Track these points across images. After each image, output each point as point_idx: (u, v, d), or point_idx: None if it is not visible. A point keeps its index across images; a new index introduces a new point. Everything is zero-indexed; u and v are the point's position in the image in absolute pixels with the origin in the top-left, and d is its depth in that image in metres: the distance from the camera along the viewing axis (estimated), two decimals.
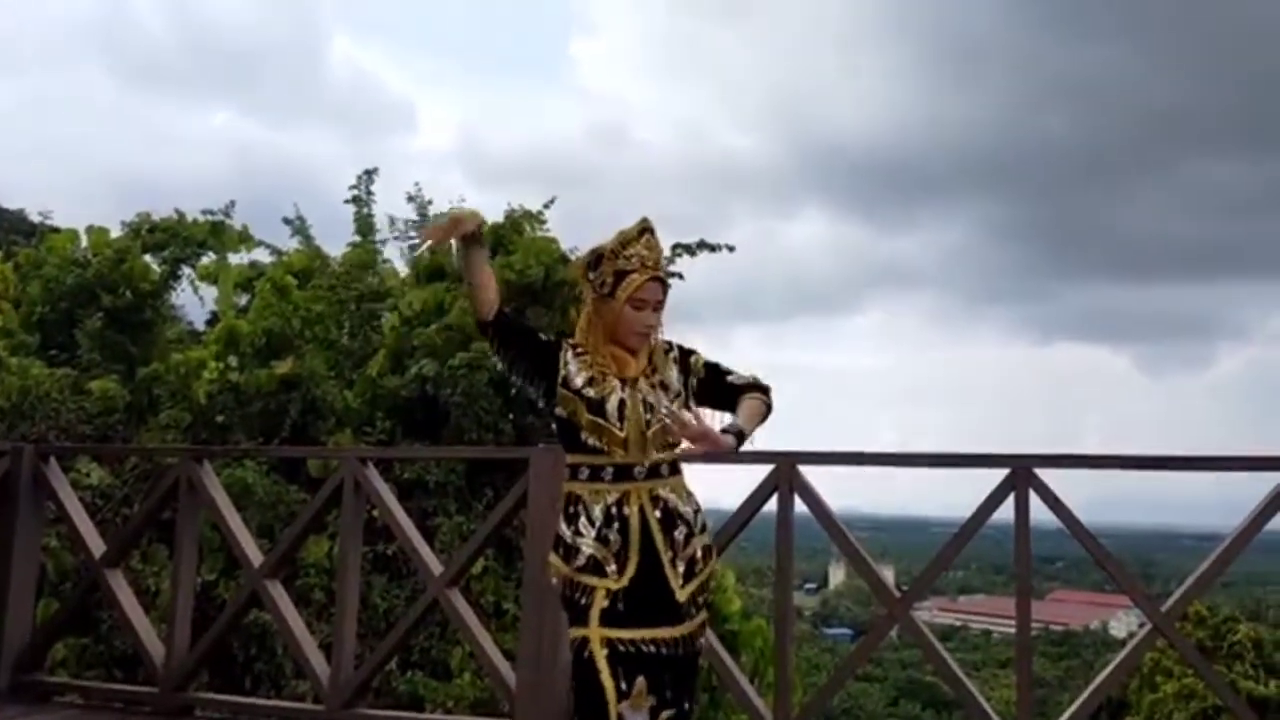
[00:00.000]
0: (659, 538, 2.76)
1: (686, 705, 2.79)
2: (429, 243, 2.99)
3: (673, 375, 2.85)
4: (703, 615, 2.84)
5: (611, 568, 2.73)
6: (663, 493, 2.80)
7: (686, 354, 2.92)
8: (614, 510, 2.76)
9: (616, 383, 2.80)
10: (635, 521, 2.75)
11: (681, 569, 2.77)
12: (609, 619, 2.71)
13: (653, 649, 2.71)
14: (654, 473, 2.80)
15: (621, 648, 2.69)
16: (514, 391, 7.56)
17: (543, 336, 2.94)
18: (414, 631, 5.04)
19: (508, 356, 2.87)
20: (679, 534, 2.78)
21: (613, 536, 2.75)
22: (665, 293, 2.84)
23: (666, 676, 2.73)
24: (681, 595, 2.76)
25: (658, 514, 2.77)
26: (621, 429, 2.77)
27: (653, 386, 2.81)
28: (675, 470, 2.85)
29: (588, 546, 2.75)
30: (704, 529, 2.86)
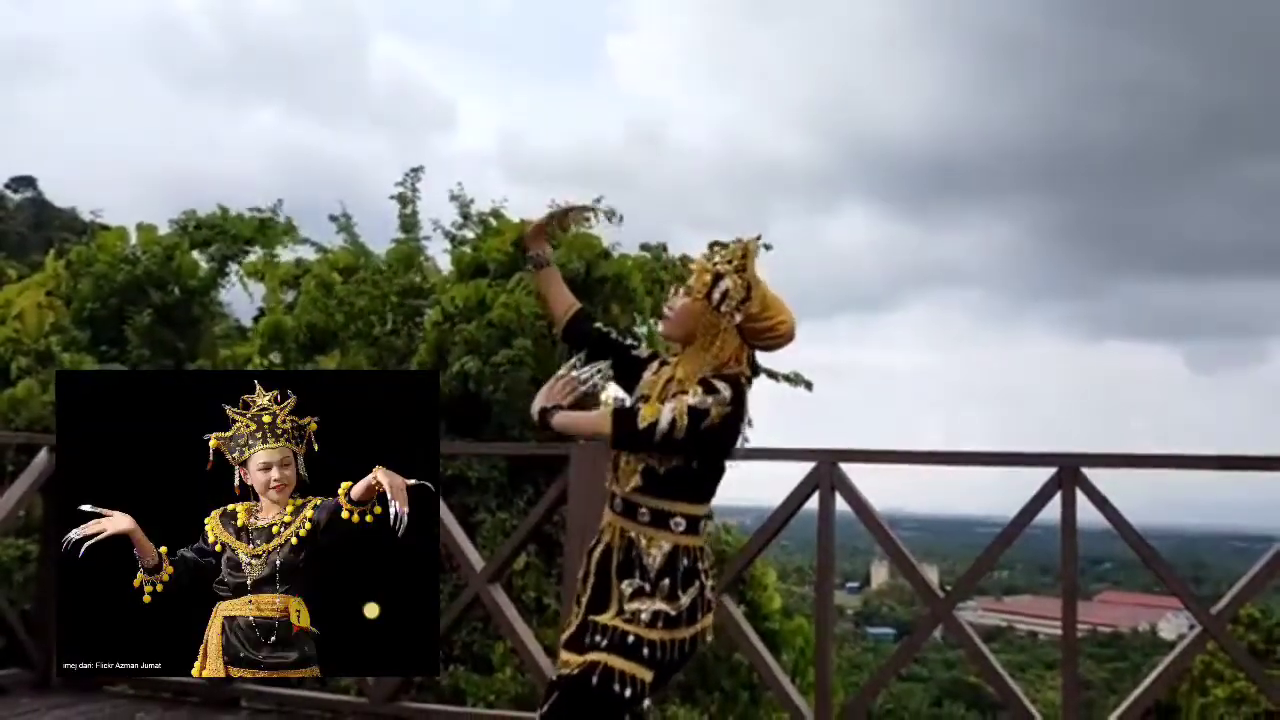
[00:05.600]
0: (612, 579, 2.48)
1: None
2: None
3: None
4: (594, 657, 2.40)
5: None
6: (634, 536, 2.46)
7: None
8: (601, 538, 2.55)
9: (644, 401, 2.51)
10: (598, 554, 2.52)
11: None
12: None
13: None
14: (629, 510, 2.48)
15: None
16: None
17: (633, 352, 2.70)
18: (456, 626, 5.06)
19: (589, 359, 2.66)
20: (627, 586, 2.44)
21: (582, 570, 2.58)
22: (674, 298, 2.57)
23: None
24: (599, 618, 2.45)
25: (619, 557, 2.47)
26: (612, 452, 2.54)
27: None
28: (657, 522, 2.45)
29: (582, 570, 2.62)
30: (671, 596, 2.41)
